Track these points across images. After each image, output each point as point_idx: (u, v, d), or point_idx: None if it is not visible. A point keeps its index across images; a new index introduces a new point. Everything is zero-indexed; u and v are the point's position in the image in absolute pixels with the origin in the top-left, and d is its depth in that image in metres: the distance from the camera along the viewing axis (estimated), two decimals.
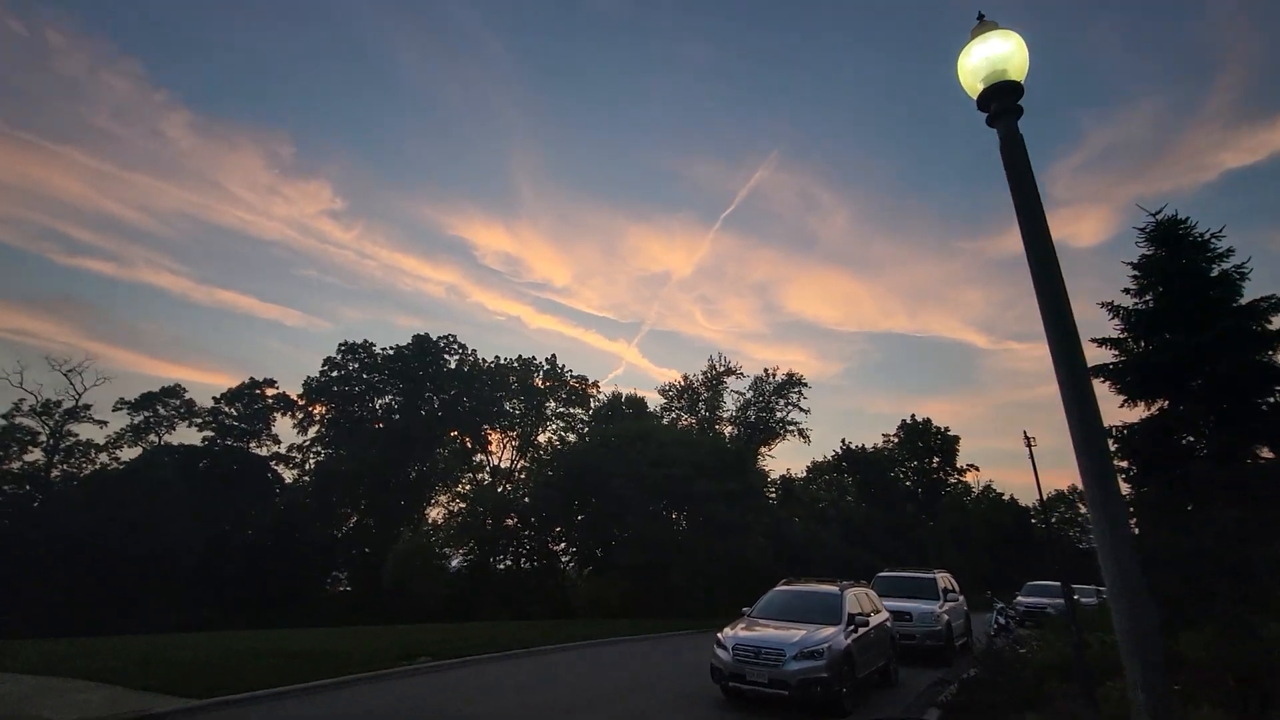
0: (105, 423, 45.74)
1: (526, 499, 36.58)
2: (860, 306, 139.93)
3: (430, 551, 33.15)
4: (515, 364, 51.32)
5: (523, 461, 48.49)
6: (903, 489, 46.57)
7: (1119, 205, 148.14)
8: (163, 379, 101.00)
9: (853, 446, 46.58)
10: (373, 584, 34.13)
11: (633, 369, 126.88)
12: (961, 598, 17.51)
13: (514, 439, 50.27)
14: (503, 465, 49.82)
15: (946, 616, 15.19)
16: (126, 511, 29.83)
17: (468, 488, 45.40)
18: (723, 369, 40.29)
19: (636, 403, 40.26)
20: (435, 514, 46.11)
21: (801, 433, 40.04)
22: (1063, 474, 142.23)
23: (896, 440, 49.49)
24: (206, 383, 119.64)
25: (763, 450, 38.34)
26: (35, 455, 45.01)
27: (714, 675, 9.79)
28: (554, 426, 49.41)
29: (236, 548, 35.72)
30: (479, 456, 50.38)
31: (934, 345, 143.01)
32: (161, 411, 46.73)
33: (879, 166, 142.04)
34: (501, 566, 38.18)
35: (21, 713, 8.17)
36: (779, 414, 39.86)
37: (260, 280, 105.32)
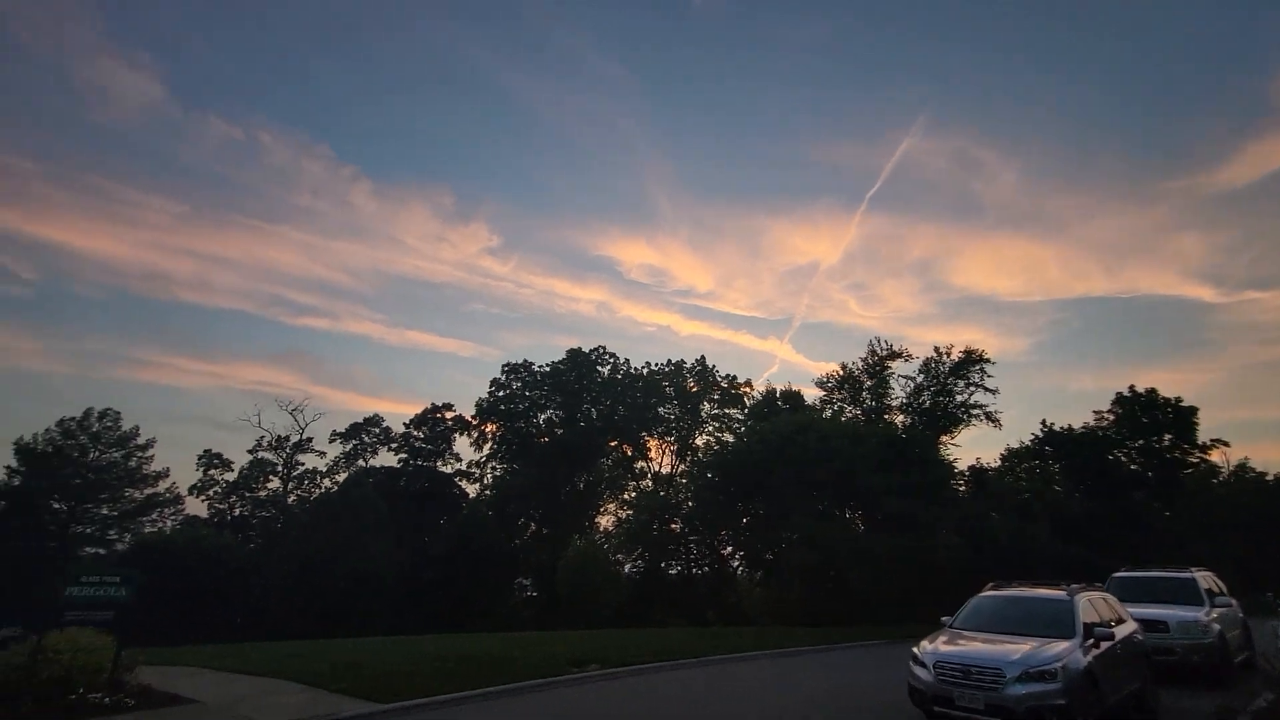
0: (324, 453, 53.03)
1: (690, 503, 36.10)
2: (1044, 272, 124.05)
3: (601, 559, 33.78)
4: (667, 369, 51.46)
5: (682, 465, 48.27)
6: (1126, 473, 39.34)
7: None
8: (365, 411, 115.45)
9: (1057, 428, 40.33)
10: (554, 591, 35.57)
11: (787, 366, 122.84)
12: (1234, 602, 13.89)
13: (672, 444, 50.29)
14: (663, 471, 50.02)
15: (1218, 625, 12.01)
16: (340, 529, 33.93)
17: (632, 495, 46.05)
18: (885, 353, 36.90)
19: (793, 397, 38.11)
20: (605, 522, 47.42)
21: (989, 416, 35.46)
22: None
23: (1112, 417, 42.07)
24: (399, 412, 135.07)
25: (945, 439, 34.40)
26: (275, 484, 53.44)
27: (913, 697, 8.28)
28: (710, 428, 48.76)
29: (432, 559, 39.15)
30: (640, 463, 51.03)
31: (1145, 305, 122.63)
32: (365, 439, 53.01)
33: (1049, 110, 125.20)
34: (673, 572, 38.04)
35: (235, 712, 8.93)
36: (959, 397, 35.63)
37: (438, 318, 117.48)
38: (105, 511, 48.44)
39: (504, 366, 51.25)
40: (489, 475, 50.91)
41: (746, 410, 45.10)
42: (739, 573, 37.30)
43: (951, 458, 32.89)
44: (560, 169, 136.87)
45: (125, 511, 48.76)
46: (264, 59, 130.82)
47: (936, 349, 36.22)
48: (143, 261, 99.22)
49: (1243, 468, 48.54)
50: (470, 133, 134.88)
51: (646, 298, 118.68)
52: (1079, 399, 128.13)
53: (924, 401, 36.09)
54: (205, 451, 51.99)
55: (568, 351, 51.16)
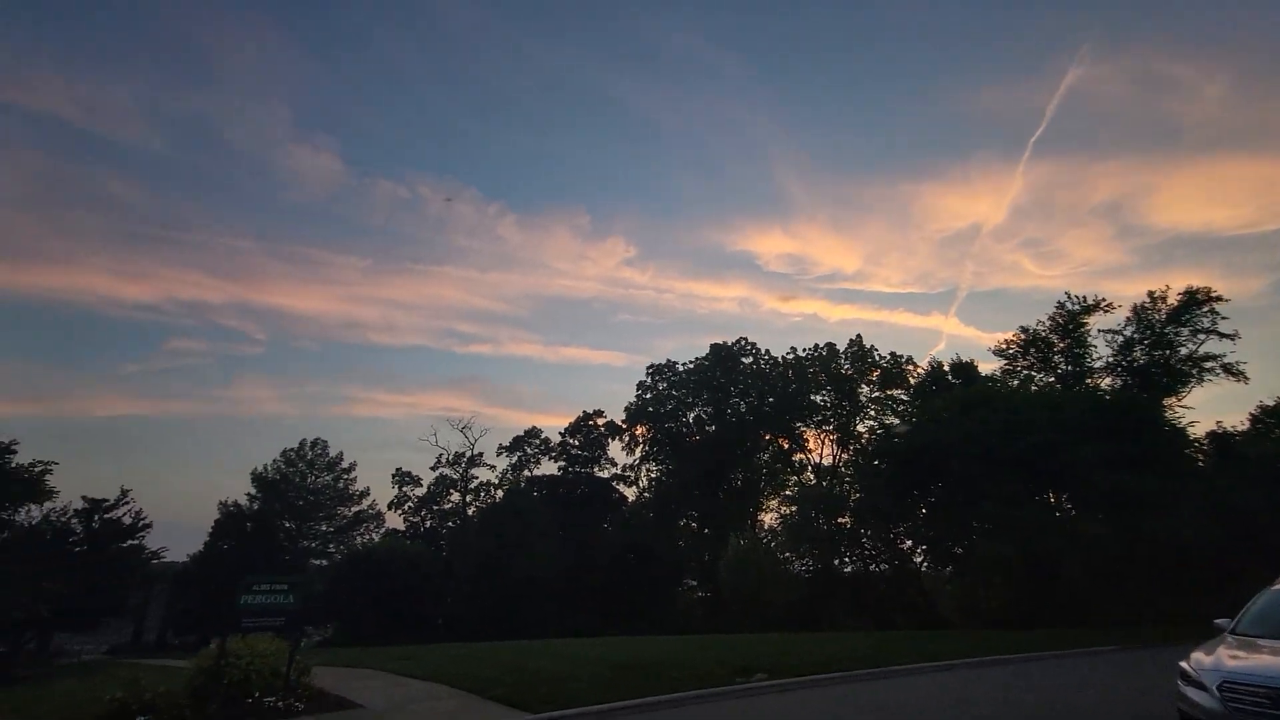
0: (494, 466, 56.62)
1: (858, 494, 33.36)
2: (1277, 192, 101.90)
3: (764, 557, 32.20)
4: (816, 354, 48.50)
5: (844, 455, 45.10)
6: None
7: None
8: (526, 425, 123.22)
9: None
10: (719, 590, 34.67)
11: (955, 340, 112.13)
12: None
13: (831, 433, 47.21)
14: (824, 462, 47.08)
15: None
16: (509, 535, 35.69)
17: (793, 490, 43.80)
18: (1079, 307, 31.35)
19: (965, 369, 33.60)
20: (768, 519, 45.58)
21: (1229, 369, 28.78)
22: None
23: None
24: (558, 425, 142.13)
25: (1170, 401, 28.46)
26: (456, 496, 58.03)
27: None
28: (871, 412, 45.05)
29: (596, 562, 39.97)
30: (799, 456, 48.51)
31: None
32: (527, 451, 55.74)
33: None
34: (847, 570, 35.46)
35: (393, 719, 8.93)
36: (1183, 349, 29.31)
37: (587, 332, 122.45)
38: (324, 528, 55.71)
39: (648, 368, 51.40)
40: (644, 477, 51.18)
41: (912, 390, 40.95)
42: (924, 569, 33.73)
43: (1184, 422, 27.06)
44: (687, 172, 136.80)
45: (340, 527, 55.73)
46: (412, 118, 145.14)
47: (1150, 293, 30.10)
48: (341, 313, 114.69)
49: None
50: (597, 150, 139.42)
51: (789, 287, 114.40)
52: None
53: (1137, 358, 30.19)
54: (397, 470, 57.76)
55: (710, 347, 50.13)
